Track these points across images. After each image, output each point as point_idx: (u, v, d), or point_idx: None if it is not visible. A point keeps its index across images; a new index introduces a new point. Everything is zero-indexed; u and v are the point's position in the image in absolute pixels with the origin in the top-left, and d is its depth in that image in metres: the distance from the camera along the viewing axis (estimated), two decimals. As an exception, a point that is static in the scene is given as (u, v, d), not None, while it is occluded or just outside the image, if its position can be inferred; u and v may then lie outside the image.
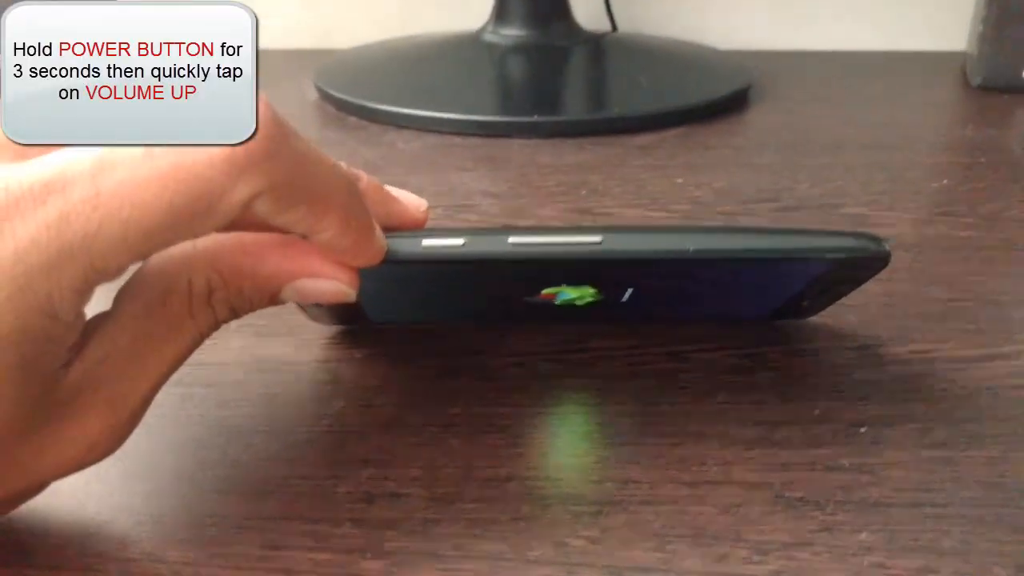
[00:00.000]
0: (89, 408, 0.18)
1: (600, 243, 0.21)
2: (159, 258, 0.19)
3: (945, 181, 0.40)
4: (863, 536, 0.20)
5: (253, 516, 0.21)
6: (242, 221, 0.17)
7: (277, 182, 0.17)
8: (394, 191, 0.23)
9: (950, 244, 0.34)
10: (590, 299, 0.25)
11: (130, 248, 0.16)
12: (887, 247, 0.22)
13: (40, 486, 0.19)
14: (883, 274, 0.31)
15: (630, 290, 0.25)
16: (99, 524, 0.21)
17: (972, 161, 0.43)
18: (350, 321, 0.28)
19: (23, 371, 0.16)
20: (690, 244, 0.21)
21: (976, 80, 0.55)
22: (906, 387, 0.25)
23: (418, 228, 0.23)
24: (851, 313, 0.29)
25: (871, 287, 0.30)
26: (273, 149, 0.16)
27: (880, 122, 0.49)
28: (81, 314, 0.17)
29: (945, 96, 0.55)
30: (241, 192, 0.16)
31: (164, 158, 0.16)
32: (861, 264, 0.23)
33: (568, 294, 0.25)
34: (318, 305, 0.24)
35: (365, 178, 0.21)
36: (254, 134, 0.16)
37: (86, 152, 0.16)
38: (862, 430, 0.23)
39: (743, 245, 0.22)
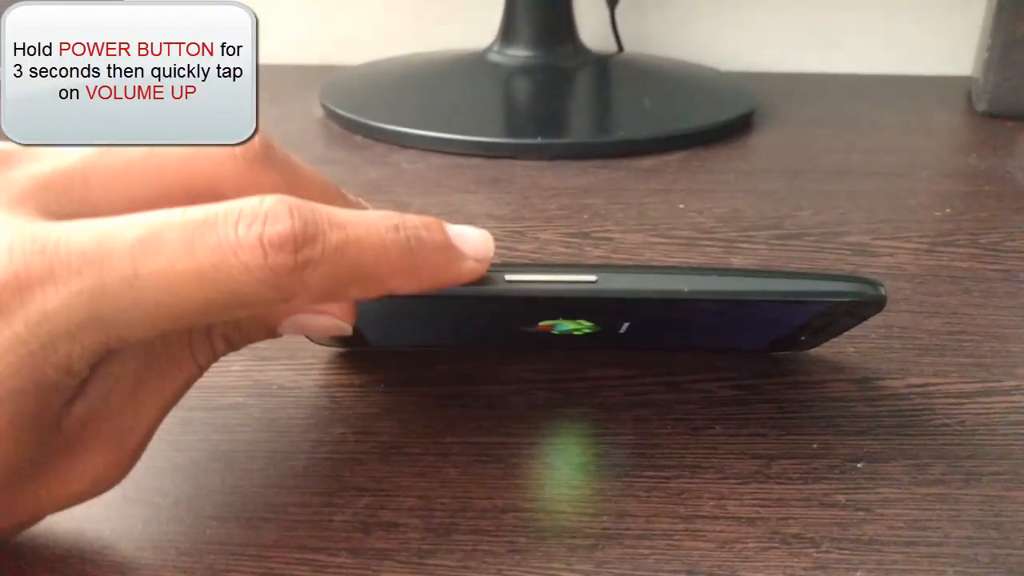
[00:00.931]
0: (92, 445, 0.18)
1: (595, 283, 0.21)
2: None
3: (948, 210, 0.40)
4: (858, 575, 0.20)
5: (251, 543, 0.21)
6: None
7: (318, 286, 0.17)
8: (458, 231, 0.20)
9: (951, 275, 0.34)
10: (587, 331, 0.25)
11: (158, 327, 0.16)
12: (883, 292, 0.22)
13: (41, 517, 0.19)
14: (883, 305, 0.31)
15: (627, 324, 0.25)
16: (98, 549, 0.21)
17: (976, 189, 0.43)
18: (350, 344, 0.28)
19: (31, 418, 0.17)
20: (685, 285, 0.21)
21: (981, 106, 0.55)
22: (904, 422, 0.25)
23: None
24: (850, 344, 0.29)
25: (872, 318, 0.30)
26: (314, 256, 0.16)
27: (884, 147, 0.49)
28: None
29: (950, 122, 0.55)
30: (279, 299, 0.16)
31: (205, 255, 0.16)
32: (857, 308, 0.23)
33: (565, 326, 0.25)
34: None
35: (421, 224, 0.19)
36: (258, 148, 0.17)
37: (127, 227, 0.16)
38: (859, 465, 0.23)
39: (739, 288, 0.22)
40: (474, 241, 0.20)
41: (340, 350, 0.28)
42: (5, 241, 0.15)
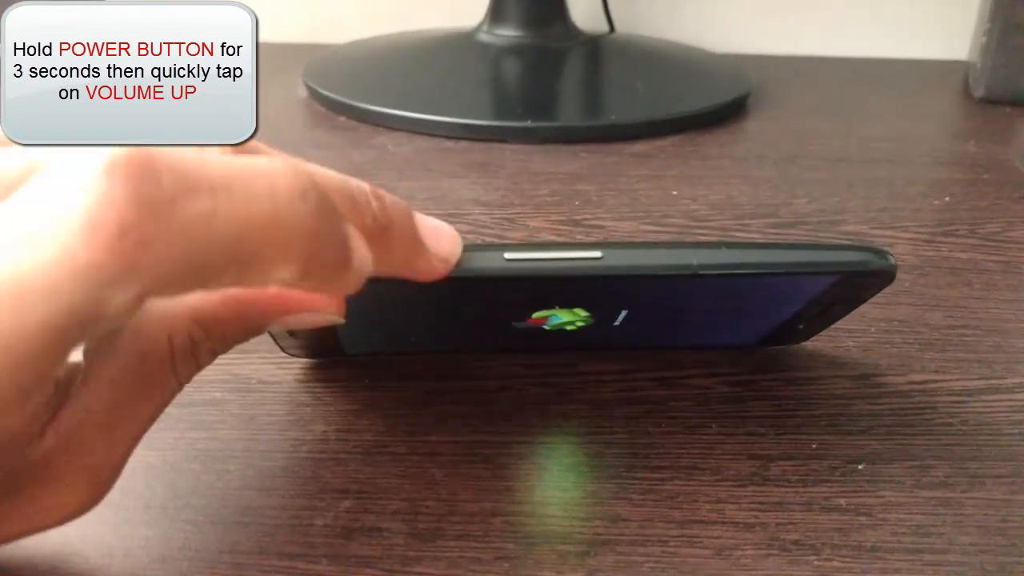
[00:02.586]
0: (66, 477, 0.17)
1: (600, 259, 0.20)
2: (133, 318, 0.17)
3: (947, 198, 0.39)
4: (860, 585, 0.19)
5: (226, 550, 0.20)
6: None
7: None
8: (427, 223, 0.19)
9: (951, 266, 0.33)
10: (581, 323, 0.24)
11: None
12: (893, 261, 0.22)
13: (11, 541, 0.18)
14: (883, 298, 0.30)
15: (624, 312, 0.24)
16: (65, 556, 0.20)
17: (975, 177, 0.42)
18: (325, 354, 0.26)
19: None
20: (694, 259, 0.20)
21: (979, 92, 0.54)
22: (905, 421, 0.24)
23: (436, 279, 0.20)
24: (850, 339, 0.28)
25: (871, 311, 0.29)
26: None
27: (882, 134, 0.48)
28: (41, 401, 0.15)
29: (948, 107, 0.54)
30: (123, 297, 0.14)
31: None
32: (865, 280, 0.22)
33: (559, 317, 0.24)
34: (292, 335, 0.23)
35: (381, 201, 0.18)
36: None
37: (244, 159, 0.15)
38: (860, 467, 0.23)
39: (749, 260, 0.21)
40: (444, 243, 0.19)
41: (314, 361, 0.27)
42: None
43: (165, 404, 0.18)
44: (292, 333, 0.24)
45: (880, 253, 0.22)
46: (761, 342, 0.27)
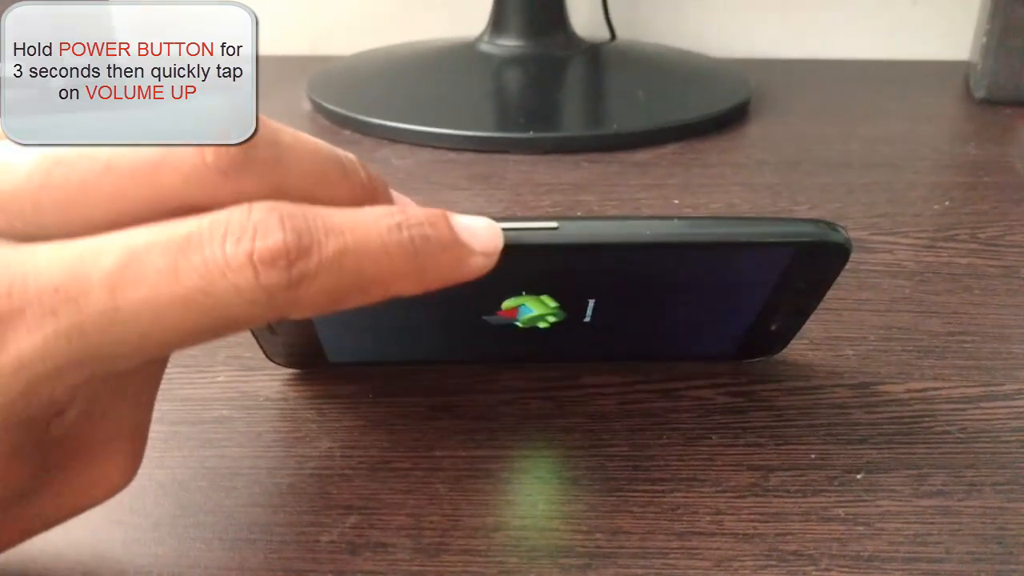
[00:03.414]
0: (102, 449, 0.17)
1: (556, 229, 0.21)
2: None
3: (947, 202, 0.39)
4: (857, 595, 0.19)
5: (234, 567, 0.20)
6: None
7: (315, 300, 0.16)
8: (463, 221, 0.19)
9: (951, 272, 0.33)
10: (553, 317, 0.24)
11: (143, 357, 0.15)
12: (845, 235, 0.22)
13: (50, 527, 0.19)
14: (882, 304, 0.31)
15: (591, 302, 0.24)
16: (78, 575, 0.20)
17: (975, 180, 0.42)
18: (308, 362, 0.27)
19: (15, 448, 0.16)
20: (647, 230, 0.21)
21: (979, 93, 0.54)
22: (904, 430, 0.25)
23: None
24: (849, 347, 0.28)
25: (871, 319, 0.30)
26: (310, 269, 0.15)
27: (883, 137, 0.48)
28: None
29: (948, 109, 0.54)
30: (273, 317, 0.15)
31: (190, 279, 0.14)
32: (820, 256, 0.23)
33: (530, 308, 0.24)
34: (273, 333, 0.24)
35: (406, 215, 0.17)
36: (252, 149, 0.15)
37: (102, 251, 0.14)
38: (858, 476, 0.23)
39: (701, 230, 0.22)
40: (482, 235, 0.18)
41: (298, 371, 0.27)
42: None
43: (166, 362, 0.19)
44: (273, 331, 0.24)
45: (831, 226, 0.22)
46: (741, 351, 0.27)
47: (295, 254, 0.15)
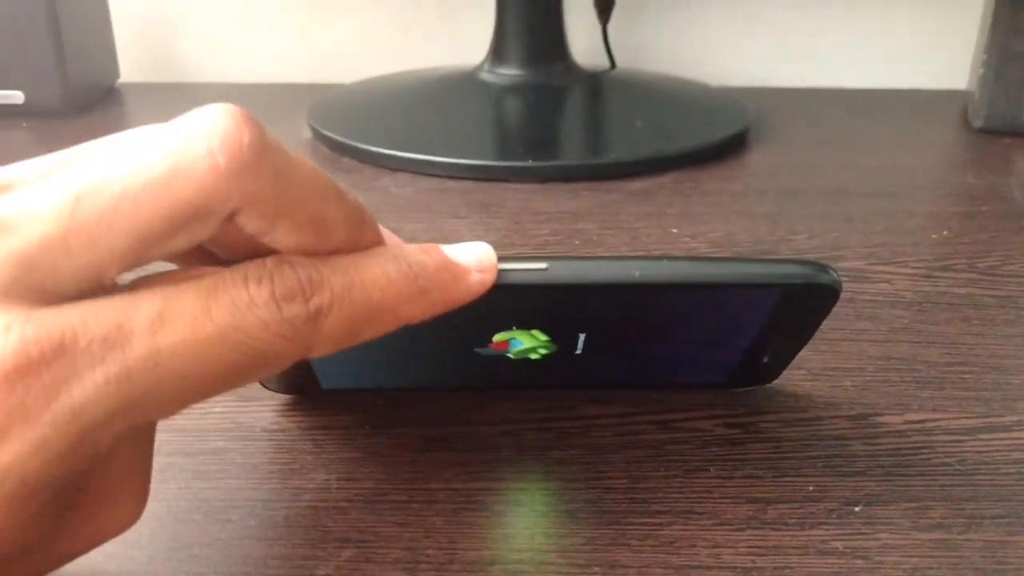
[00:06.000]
0: (111, 487, 0.17)
1: (545, 270, 0.21)
2: None
3: (945, 232, 0.40)
4: (856, 631, 0.19)
5: (228, 601, 0.20)
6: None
7: (334, 332, 0.17)
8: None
9: (949, 302, 0.33)
10: (544, 350, 0.24)
11: (185, 401, 0.16)
12: (835, 276, 0.22)
13: (67, 562, 0.19)
14: (881, 335, 0.31)
15: (582, 336, 0.24)
16: (70, 609, 0.20)
17: (973, 210, 0.42)
18: (298, 388, 0.27)
19: (54, 499, 0.16)
20: (636, 270, 0.21)
21: (977, 122, 0.54)
22: (902, 461, 0.24)
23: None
24: (847, 378, 0.28)
25: (868, 349, 0.30)
26: (324, 302, 0.17)
27: (881, 166, 0.48)
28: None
29: (947, 138, 0.55)
30: (300, 352, 0.17)
31: (222, 316, 0.16)
32: (809, 296, 0.23)
33: (520, 342, 0.24)
34: None
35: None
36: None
37: (143, 301, 0.16)
38: (857, 509, 0.23)
39: (689, 271, 0.22)
40: (473, 251, 0.20)
41: (294, 401, 0.27)
42: (17, 338, 0.14)
43: None
44: None
45: (821, 268, 0.22)
46: (733, 380, 0.27)
47: (309, 290, 0.17)
